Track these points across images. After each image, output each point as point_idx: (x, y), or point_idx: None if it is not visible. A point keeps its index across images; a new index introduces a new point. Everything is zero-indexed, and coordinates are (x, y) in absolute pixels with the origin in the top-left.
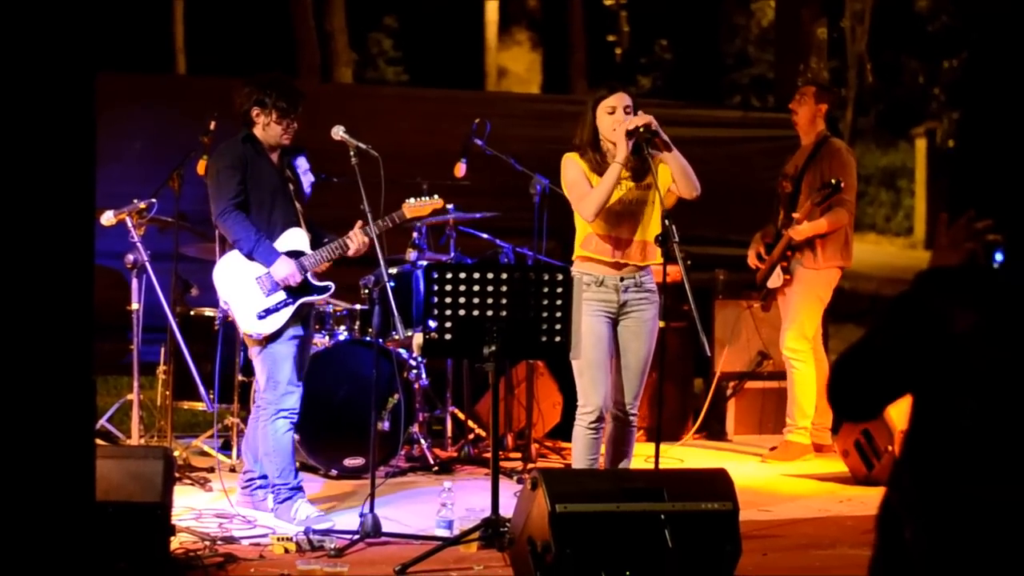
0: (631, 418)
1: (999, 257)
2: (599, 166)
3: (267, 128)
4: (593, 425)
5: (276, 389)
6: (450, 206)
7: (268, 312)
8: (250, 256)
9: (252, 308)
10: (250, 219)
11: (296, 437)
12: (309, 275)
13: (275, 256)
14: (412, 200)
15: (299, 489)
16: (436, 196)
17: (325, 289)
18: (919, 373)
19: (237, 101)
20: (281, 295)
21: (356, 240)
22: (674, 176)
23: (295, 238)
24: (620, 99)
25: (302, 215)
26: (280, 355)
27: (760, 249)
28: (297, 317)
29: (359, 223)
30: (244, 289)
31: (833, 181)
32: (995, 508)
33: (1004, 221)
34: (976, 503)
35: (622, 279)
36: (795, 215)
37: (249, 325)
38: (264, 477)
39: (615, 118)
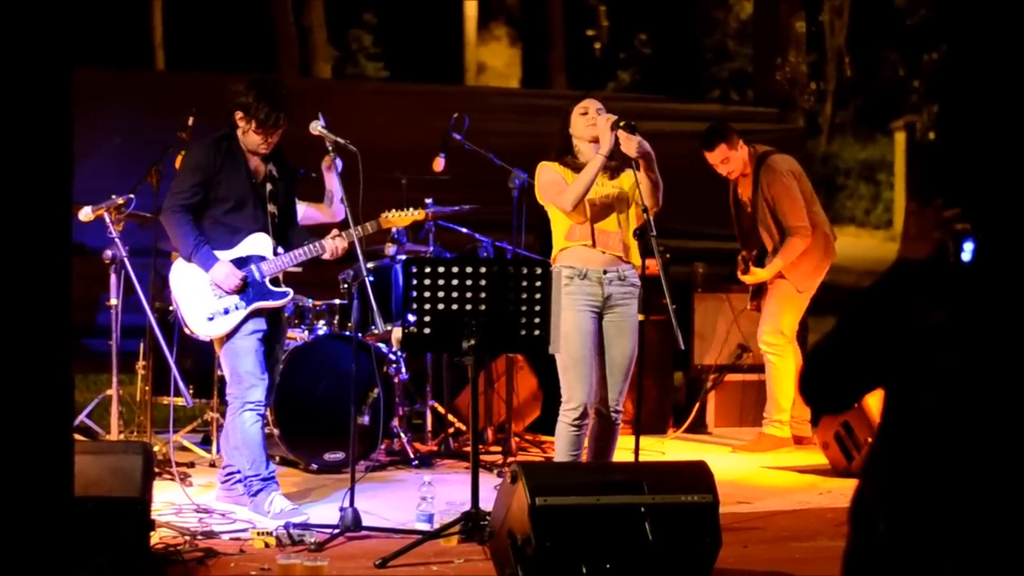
0: (615, 415)
1: (968, 247)
2: (576, 168)
3: (246, 135)
4: (577, 422)
5: (240, 383)
6: (429, 200)
7: (217, 315)
8: (188, 260)
9: (203, 310)
10: (207, 220)
11: (276, 431)
12: (267, 280)
13: (213, 261)
14: (392, 212)
15: (272, 480)
16: (418, 209)
17: (282, 295)
18: (888, 366)
19: (227, 96)
20: (234, 298)
21: (331, 245)
22: (640, 185)
23: (257, 243)
24: (592, 102)
25: (274, 220)
26: (241, 349)
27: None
28: (256, 313)
29: (334, 231)
30: (197, 291)
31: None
32: (961, 506)
33: (972, 210)
34: (944, 499)
35: (605, 271)
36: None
37: (197, 326)
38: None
39: (588, 119)
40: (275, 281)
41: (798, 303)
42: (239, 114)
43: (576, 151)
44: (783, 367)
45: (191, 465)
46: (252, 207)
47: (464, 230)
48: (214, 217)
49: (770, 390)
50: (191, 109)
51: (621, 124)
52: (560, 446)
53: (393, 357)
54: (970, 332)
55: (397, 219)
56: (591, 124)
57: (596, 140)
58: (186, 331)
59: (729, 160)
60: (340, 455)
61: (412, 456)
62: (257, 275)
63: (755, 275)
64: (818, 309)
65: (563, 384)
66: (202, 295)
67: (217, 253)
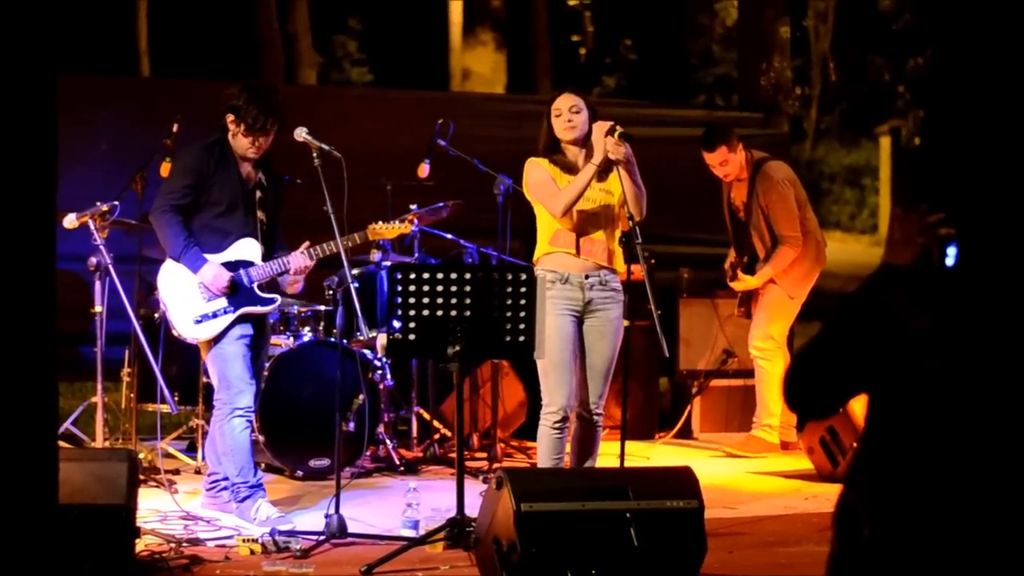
0: (596, 418)
1: (952, 252)
2: (565, 167)
3: (236, 138)
4: (557, 425)
5: (229, 388)
6: (413, 206)
7: (205, 318)
8: (177, 260)
9: (190, 312)
10: (197, 223)
11: (261, 438)
12: (255, 286)
13: (201, 262)
14: (380, 224)
15: (259, 487)
16: (405, 222)
17: (270, 301)
18: (872, 372)
19: (221, 99)
20: (222, 302)
21: (296, 262)
22: (625, 193)
23: (246, 248)
24: (565, 100)
25: (263, 227)
26: (229, 354)
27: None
28: (243, 319)
29: (305, 243)
30: (185, 293)
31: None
32: (946, 511)
33: (956, 216)
34: (928, 504)
35: (587, 276)
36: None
37: (185, 329)
38: (228, 478)
39: (561, 120)
40: (261, 287)
41: (789, 309)
42: (230, 117)
43: (563, 149)
44: (773, 372)
45: (176, 472)
46: (243, 212)
47: (449, 236)
48: (204, 220)
49: (760, 395)
50: (176, 116)
51: (616, 133)
52: (542, 450)
53: (378, 363)
54: (955, 337)
55: (385, 231)
56: (566, 128)
57: (575, 143)
58: (174, 333)
59: (728, 163)
60: (325, 462)
61: (397, 462)
62: (246, 280)
63: (744, 282)
64: (803, 314)
65: (543, 388)
66: (190, 297)
67: (206, 256)
